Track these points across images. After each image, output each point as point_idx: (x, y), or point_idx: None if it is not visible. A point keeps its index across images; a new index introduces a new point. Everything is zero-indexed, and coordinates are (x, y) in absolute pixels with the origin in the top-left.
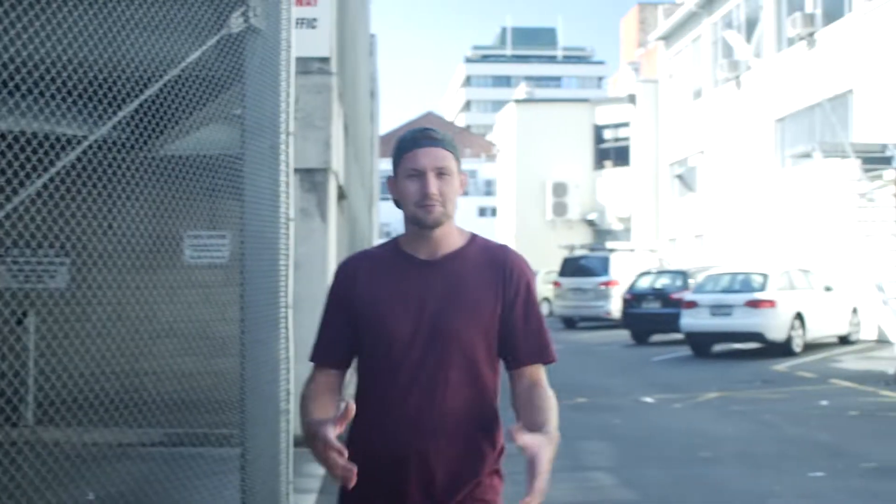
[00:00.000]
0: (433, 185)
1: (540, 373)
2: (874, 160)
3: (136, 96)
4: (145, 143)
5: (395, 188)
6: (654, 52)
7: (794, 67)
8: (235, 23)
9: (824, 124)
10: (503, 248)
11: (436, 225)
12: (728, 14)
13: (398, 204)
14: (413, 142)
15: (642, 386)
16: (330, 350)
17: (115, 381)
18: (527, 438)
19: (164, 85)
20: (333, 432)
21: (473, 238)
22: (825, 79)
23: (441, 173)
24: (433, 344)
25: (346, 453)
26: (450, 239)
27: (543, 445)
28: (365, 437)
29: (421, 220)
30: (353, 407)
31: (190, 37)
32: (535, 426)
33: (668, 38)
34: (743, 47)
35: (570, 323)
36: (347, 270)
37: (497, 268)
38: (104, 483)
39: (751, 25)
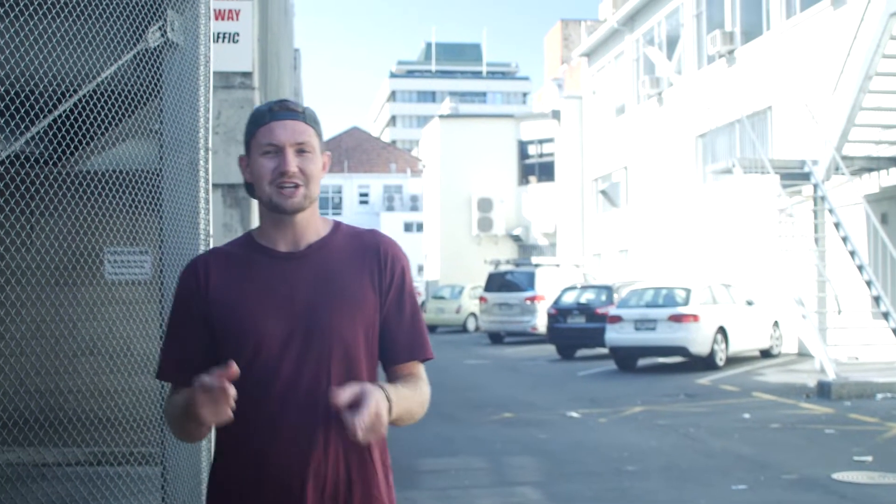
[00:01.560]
0: (292, 162)
1: (418, 371)
2: (793, 176)
3: (51, 111)
4: (61, 158)
5: (247, 168)
6: (578, 69)
7: (715, 84)
8: (152, 37)
9: (744, 140)
10: (373, 233)
11: (296, 210)
12: (650, 31)
13: (250, 189)
14: (269, 113)
15: (568, 400)
16: (182, 366)
17: (34, 399)
18: (346, 391)
19: (80, 100)
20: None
21: (338, 225)
22: (745, 96)
23: (302, 150)
24: (310, 346)
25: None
26: (313, 226)
27: (369, 389)
28: (234, 457)
29: (278, 204)
30: (234, 365)
31: (106, 51)
32: (394, 385)
33: (591, 54)
34: (664, 64)
35: (496, 338)
36: (195, 271)
37: (370, 254)
38: None
39: (672, 43)
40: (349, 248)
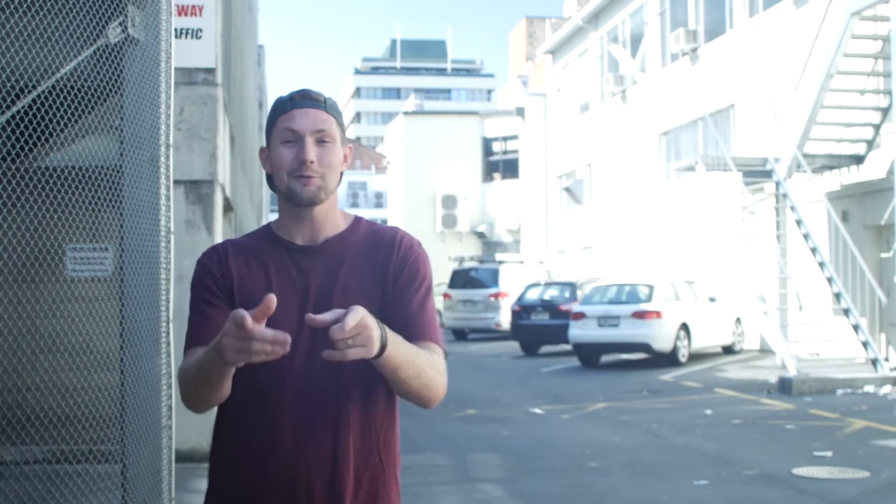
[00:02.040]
0: (311, 151)
1: (432, 347)
2: (755, 173)
3: (9, 107)
4: (20, 154)
5: (267, 159)
6: (543, 66)
7: (678, 82)
8: (113, 33)
9: (707, 138)
10: (393, 229)
11: (312, 202)
12: (614, 29)
13: (271, 182)
14: (290, 102)
15: (531, 397)
16: (211, 332)
17: None
18: (325, 314)
19: (39, 96)
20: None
21: (358, 221)
22: (708, 93)
23: (322, 140)
24: (320, 339)
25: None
26: (332, 221)
27: (354, 307)
28: (240, 451)
29: (296, 193)
30: (272, 299)
31: (65, 47)
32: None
33: (555, 52)
34: (628, 62)
35: (460, 335)
36: (217, 257)
37: (386, 248)
38: None
39: (636, 41)
40: (367, 244)
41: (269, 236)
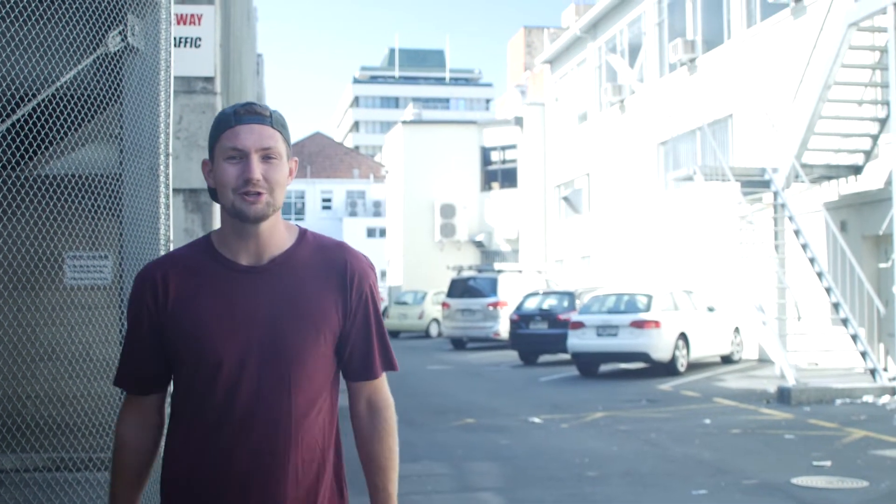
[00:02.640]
0: (257, 169)
1: (381, 386)
2: (753, 183)
3: (9, 116)
4: (20, 162)
5: (210, 173)
6: (541, 76)
7: (676, 92)
8: (113, 42)
9: (706, 148)
10: (341, 247)
11: (259, 219)
12: (612, 39)
13: (213, 194)
14: (235, 117)
15: (530, 406)
16: (142, 374)
17: None
18: None
19: (39, 104)
20: None
21: (303, 235)
22: (706, 103)
23: (267, 156)
24: (269, 365)
25: None
26: (276, 237)
27: None
28: (190, 478)
29: (241, 211)
30: None
31: (66, 56)
32: (375, 489)
33: (553, 61)
34: (626, 72)
35: (458, 344)
36: (152, 278)
37: (337, 273)
38: None
39: (634, 51)
40: (314, 263)
41: (210, 252)
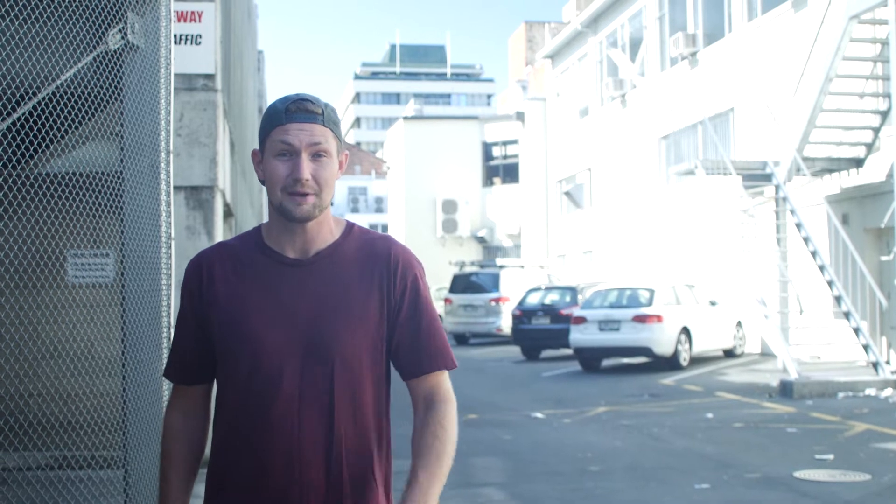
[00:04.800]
0: (306, 169)
1: (437, 382)
2: (755, 177)
3: (10, 114)
4: (21, 161)
5: (259, 165)
6: (542, 71)
7: (678, 86)
8: (113, 40)
9: (707, 142)
10: (386, 240)
11: (305, 219)
12: (613, 33)
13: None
14: (286, 115)
15: (532, 401)
16: (187, 365)
17: None
18: None
19: (40, 102)
20: None
21: (350, 228)
22: (707, 97)
23: (318, 154)
24: (311, 360)
25: None
26: (323, 233)
27: None
28: (235, 468)
29: (289, 211)
30: None
31: (65, 54)
32: (411, 475)
33: (554, 56)
34: (627, 66)
35: (461, 339)
36: (201, 267)
37: (380, 263)
38: None
39: (635, 45)
40: (359, 256)
41: (258, 244)
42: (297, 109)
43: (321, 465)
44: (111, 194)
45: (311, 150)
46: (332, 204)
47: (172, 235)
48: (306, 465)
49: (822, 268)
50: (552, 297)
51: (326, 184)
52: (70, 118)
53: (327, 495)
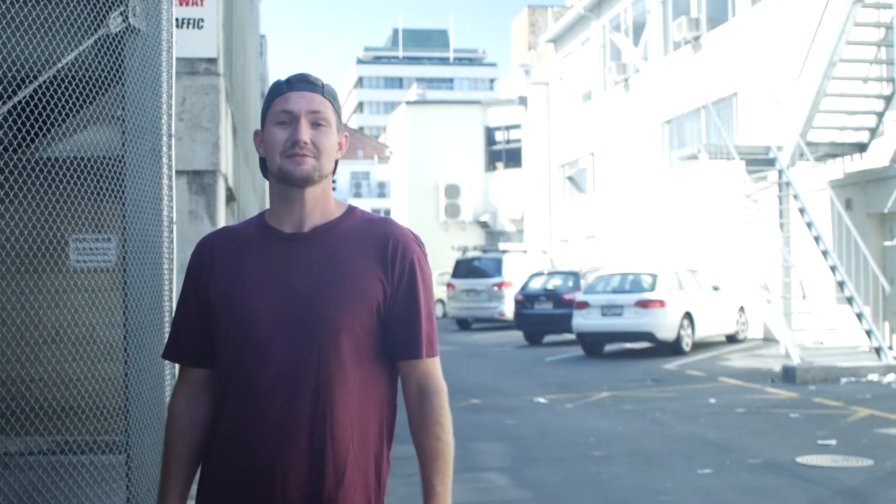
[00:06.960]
0: (306, 132)
1: (430, 369)
2: (758, 162)
3: (10, 98)
4: (22, 145)
5: (261, 143)
6: (545, 55)
7: (681, 70)
8: (114, 23)
9: (710, 126)
10: (387, 222)
11: (306, 181)
12: (616, 17)
13: (264, 167)
14: (287, 84)
15: (535, 386)
16: (186, 345)
17: None
18: None
19: (40, 86)
20: None
21: (352, 210)
22: (711, 82)
23: (317, 122)
24: (303, 334)
25: None
26: (323, 206)
27: None
28: (224, 445)
29: (288, 172)
30: None
31: (66, 37)
32: (425, 482)
33: (557, 40)
34: (631, 50)
35: (463, 324)
36: (203, 249)
37: (379, 243)
38: None
39: (638, 29)
40: (358, 235)
41: (260, 224)
42: (298, 80)
43: (305, 444)
44: (113, 178)
45: (311, 117)
46: (334, 184)
47: (174, 220)
48: (292, 442)
49: (825, 253)
50: (555, 282)
51: (326, 151)
52: (71, 102)
53: (311, 474)
